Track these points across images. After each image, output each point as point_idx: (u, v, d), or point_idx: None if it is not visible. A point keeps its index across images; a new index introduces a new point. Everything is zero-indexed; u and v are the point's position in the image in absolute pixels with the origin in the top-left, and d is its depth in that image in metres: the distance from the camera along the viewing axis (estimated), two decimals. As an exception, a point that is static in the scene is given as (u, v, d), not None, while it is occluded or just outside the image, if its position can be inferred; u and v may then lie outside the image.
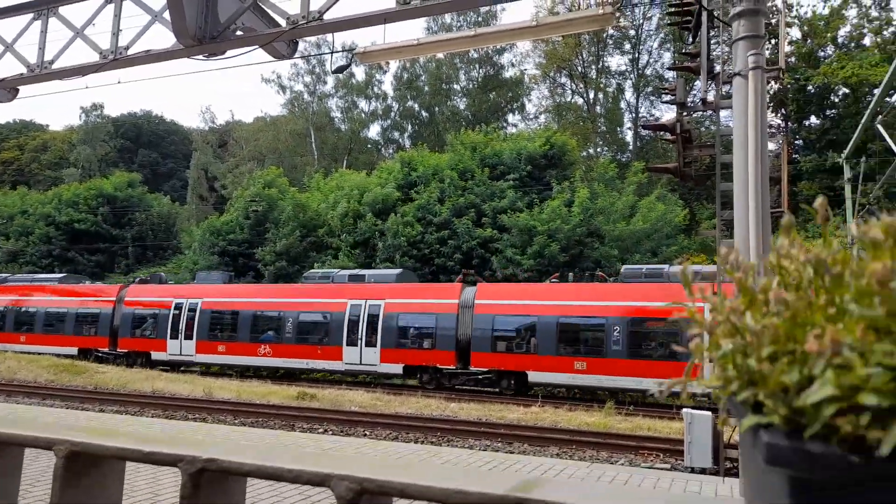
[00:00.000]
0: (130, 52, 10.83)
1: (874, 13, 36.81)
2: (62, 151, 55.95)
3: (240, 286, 27.65)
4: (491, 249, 30.83)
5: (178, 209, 49.25)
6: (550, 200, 30.80)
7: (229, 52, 10.73)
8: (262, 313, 23.72)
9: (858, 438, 0.49)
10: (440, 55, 49.97)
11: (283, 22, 9.63)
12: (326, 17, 8.77)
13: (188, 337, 24.39)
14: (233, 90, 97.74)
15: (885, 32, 36.22)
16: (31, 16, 11.94)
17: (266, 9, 9.99)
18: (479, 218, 31.74)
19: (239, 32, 10.34)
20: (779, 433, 0.53)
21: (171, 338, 24.70)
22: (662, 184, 35.00)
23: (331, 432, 12.63)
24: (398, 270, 25.10)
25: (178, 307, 24.86)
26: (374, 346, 21.39)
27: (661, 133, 15.74)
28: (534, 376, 19.37)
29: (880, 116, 16.60)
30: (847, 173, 20.53)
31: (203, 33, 9.95)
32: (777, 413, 0.53)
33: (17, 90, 12.85)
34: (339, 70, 8.74)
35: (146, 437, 1.34)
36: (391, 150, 51.98)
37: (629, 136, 47.04)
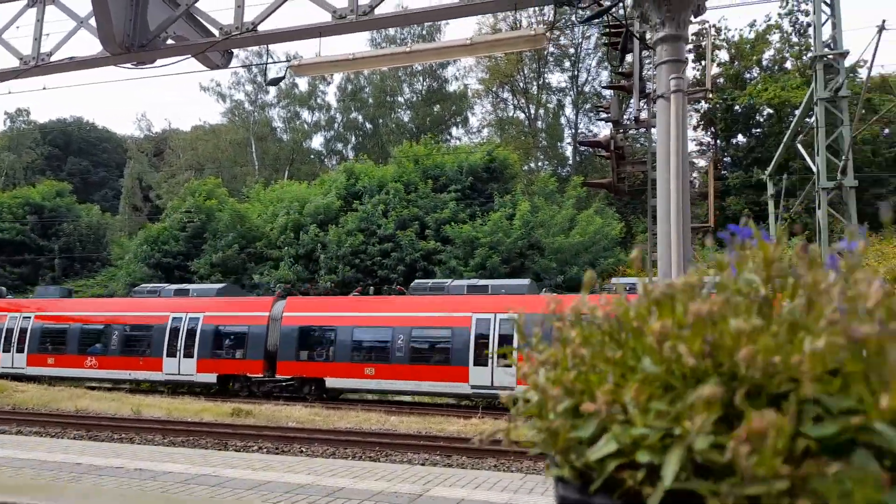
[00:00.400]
0: (54, 58, 10.40)
1: (794, 39, 38.99)
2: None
3: (74, 300, 27.89)
4: (434, 261, 30.89)
5: (109, 220, 47.31)
6: (492, 213, 31.16)
7: (161, 61, 10.44)
8: (89, 327, 24.42)
9: (636, 493, 0.52)
10: (384, 68, 50.03)
11: (216, 32, 9.45)
12: (261, 28, 8.65)
13: (20, 350, 24.90)
14: (170, 98, 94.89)
15: (804, 57, 38.41)
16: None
17: (199, 18, 9.78)
18: (422, 230, 31.80)
19: (170, 41, 10.09)
20: (571, 486, 0.55)
21: (3, 350, 25.07)
22: (600, 198, 35.93)
23: (265, 450, 12.31)
24: (220, 285, 25.96)
25: (13, 320, 25.35)
26: (192, 356, 22.54)
27: (597, 149, 16.19)
28: (331, 382, 21.03)
29: (800, 136, 17.55)
30: (770, 189, 21.56)
31: (131, 41, 9.65)
32: (568, 467, 0.55)
33: (-71, 94, 12.16)
34: (274, 82, 8.63)
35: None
36: (334, 162, 51.54)
37: (569, 151, 48.16)
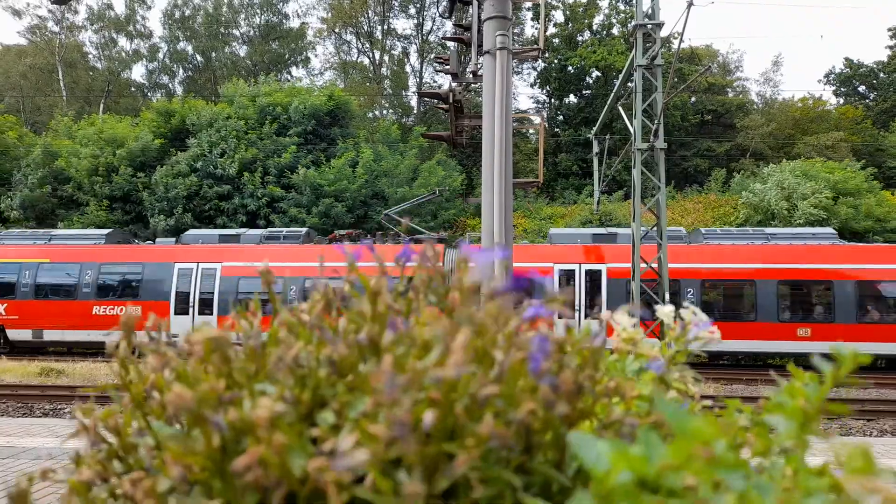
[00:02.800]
0: None
1: (622, 6, 41.72)
2: None
3: None
4: (277, 210, 29.71)
5: None
6: (335, 158, 30.48)
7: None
8: None
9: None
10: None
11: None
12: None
13: None
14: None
15: (629, 24, 41.33)
16: None
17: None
18: (263, 175, 30.32)
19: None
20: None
21: None
22: (443, 149, 36.54)
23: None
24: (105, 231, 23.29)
25: None
26: None
27: (437, 101, 16.32)
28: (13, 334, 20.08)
29: (622, 99, 18.98)
30: (595, 148, 23.23)
31: None
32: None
33: None
34: (61, 1, 7.52)
35: None
36: (159, 95, 47.03)
37: (414, 101, 48.15)
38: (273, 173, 30.11)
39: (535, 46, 8.75)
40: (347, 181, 29.36)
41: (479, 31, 11.32)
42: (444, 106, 13.50)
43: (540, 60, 40.47)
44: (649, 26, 15.10)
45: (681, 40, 14.82)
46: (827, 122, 40.68)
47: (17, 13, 45.60)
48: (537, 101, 44.19)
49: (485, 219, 6.00)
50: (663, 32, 15.25)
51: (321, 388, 0.59)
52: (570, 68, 40.74)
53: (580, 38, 42.00)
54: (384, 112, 46.61)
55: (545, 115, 36.28)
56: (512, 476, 0.57)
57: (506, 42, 5.96)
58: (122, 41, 47.68)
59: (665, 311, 0.99)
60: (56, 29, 46.18)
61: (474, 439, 0.54)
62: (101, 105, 43.12)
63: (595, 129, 23.11)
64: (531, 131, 34.43)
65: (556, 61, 41.08)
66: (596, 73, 40.51)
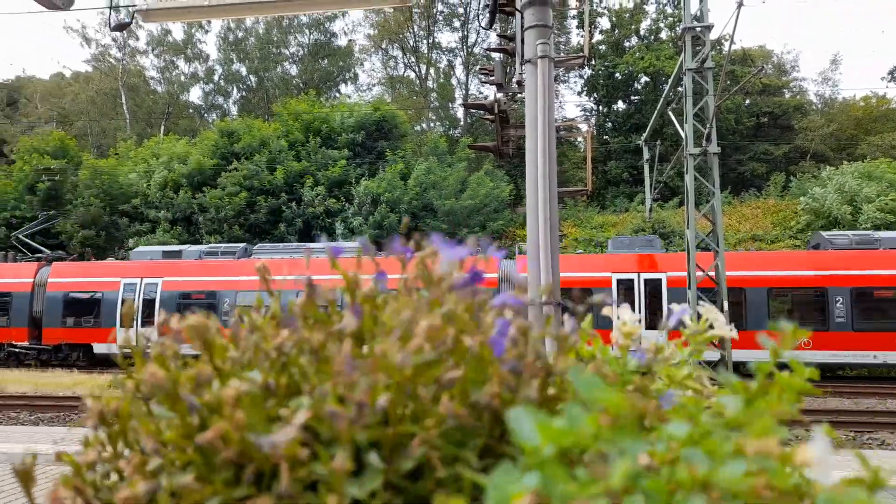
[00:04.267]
0: None
1: (669, 10, 41.01)
2: None
3: None
4: (331, 219, 30.44)
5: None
6: (388, 169, 30.98)
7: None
8: None
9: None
10: (270, 17, 47.55)
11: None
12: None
13: None
14: (18, 42, 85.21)
15: (677, 28, 40.59)
16: None
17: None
18: (314, 186, 31.04)
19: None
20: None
21: None
22: (490, 160, 36.57)
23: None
24: None
25: None
26: None
27: (482, 112, 16.36)
28: (98, 348, 21.14)
29: (672, 104, 18.61)
30: (646, 154, 22.82)
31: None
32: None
33: None
34: (119, 28, 7.91)
35: None
36: (214, 116, 48.69)
37: (460, 113, 48.40)
38: (325, 185, 30.78)
39: (581, 54, 8.67)
40: (400, 192, 29.81)
41: (523, 41, 11.34)
42: (489, 117, 13.54)
43: (587, 68, 40.11)
44: (698, 29, 14.79)
45: (731, 42, 14.46)
46: (892, 120, 38.87)
47: (87, 40, 47.82)
48: (585, 109, 43.74)
49: (530, 228, 5.97)
50: (713, 35, 14.91)
51: (298, 375, 0.62)
52: (617, 75, 40.22)
53: (627, 44, 41.46)
54: (431, 125, 47.03)
55: (593, 123, 35.91)
56: (469, 455, 0.59)
57: (547, 50, 5.95)
58: (181, 64, 49.67)
59: (681, 308, 0.98)
60: (119, 55, 48.49)
61: (433, 420, 0.57)
62: (162, 127, 44.96)
63: (645, 135, 22.71)
64: (579, 139, 34.09)
65: (603, 68, 40.61)
66: (644, 79, 39.85)
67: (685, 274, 15.69)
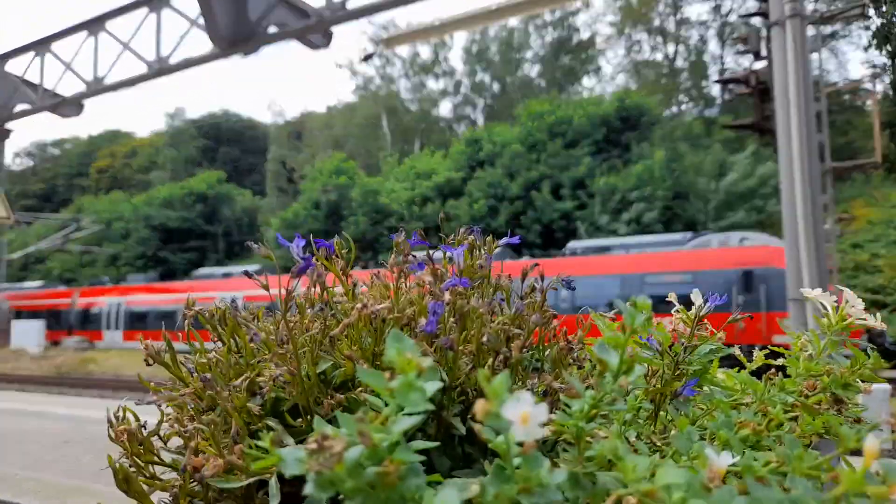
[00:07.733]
0: (172, 60, 10.90)
1: None
2: (150, 156, 59.07)
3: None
4: (574, 220, 29.93)
5: (258, 202, 50.86)
6: (636, 163, 29.47)
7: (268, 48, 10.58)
8: None
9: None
10: (514, 21, 48.71)
11: (310, 14, 9.35)
12: (349, 5, 8.39)
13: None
14: (301, 80, 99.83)
15: None
16: (84, 33, 12.21)
17: (294, 3, 9.73)
18: (556, 189, 30.75)
19: (273, 28, 10.15)
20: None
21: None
22: (755, 138, 32.55)
23: None
24: None
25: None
26: None
27: (738, 86, 14.40)
28: None
29: None
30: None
31: (235, 34, 9.82)
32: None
33: (82, 105, 13.24)
34: (367, 58, 8.37)
35: None
36: (462, 127, 51.26)
37: (716, 90, 44.02)
38: (567, 186, 30.28)
39: (859, 2, 6.86)
40: (654, 184, 28.07)
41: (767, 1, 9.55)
42: (746, 90, 11.85)
43: (874, 16, 33.34)
44: None
45: None
46: None
47: (354, 73, 54.06)
48: (874, 66, 36.43)
49: (785, 209, 4.83)
50: None
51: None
52: (919, 17, 32.73)
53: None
54: (684, 107, 43.61)
55: (884, 82, 29.63)
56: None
57: (797, 8, 4.72)
58: (430, 82, 53.30)
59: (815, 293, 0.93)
60: (380, 82, 53.80)
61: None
62: (417, 143, 48.75)
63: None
64: (868, 102, 28.49)
65: (894, 13, 33.40)
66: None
67: None
